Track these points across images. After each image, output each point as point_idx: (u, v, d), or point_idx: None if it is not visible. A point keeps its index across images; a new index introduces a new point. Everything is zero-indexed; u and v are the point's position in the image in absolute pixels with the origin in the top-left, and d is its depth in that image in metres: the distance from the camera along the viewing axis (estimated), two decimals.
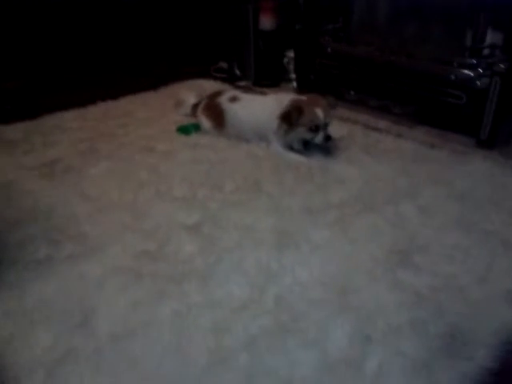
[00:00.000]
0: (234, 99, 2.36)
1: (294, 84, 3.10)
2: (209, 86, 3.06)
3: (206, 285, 1.43)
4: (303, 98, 2.18)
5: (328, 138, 2.11)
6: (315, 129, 2.09)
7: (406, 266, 1.48)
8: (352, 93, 2.80)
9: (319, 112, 2.07)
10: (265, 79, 3.14)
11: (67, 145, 2.33)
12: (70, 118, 2.65)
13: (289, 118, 2.10)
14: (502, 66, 2.09)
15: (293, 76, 3.14)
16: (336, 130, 2.34)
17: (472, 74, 2.25)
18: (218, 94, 2.47)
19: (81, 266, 1.49)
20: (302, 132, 2.12)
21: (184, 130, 2.45)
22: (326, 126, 2.10)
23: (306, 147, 2.23)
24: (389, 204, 1.81)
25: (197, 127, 2.46)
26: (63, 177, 2.04)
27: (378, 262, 1.51)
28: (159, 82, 3.16)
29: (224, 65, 3.42)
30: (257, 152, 2.22)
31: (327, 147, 2.24)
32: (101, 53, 3.78)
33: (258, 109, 2.27)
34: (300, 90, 2.97)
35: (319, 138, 2.11)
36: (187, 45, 3.88)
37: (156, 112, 2.73)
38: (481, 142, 2.23)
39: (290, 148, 2.22)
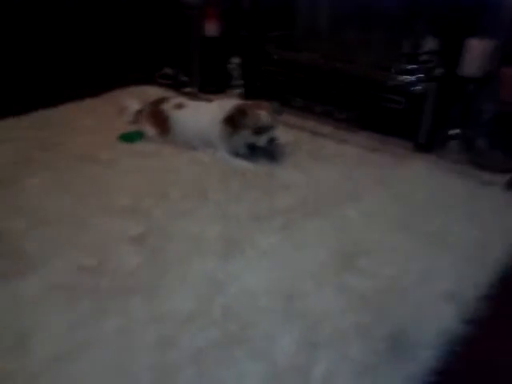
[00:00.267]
0: (178, 106, 2.33)
1: (240, 90, 3.10)
2: (153, 92, 3.00)
3: (150, 299, 1.38)
4: (247, 102, 2.19)
5: (272, 140, 2.12)
6: (259, 131, 2.09)
7: (351, 270, 1.51)
8: (298, 99, 2.83)
9: (263, 114, 2.08)
10: (210, 86, 3.12)
11: (1, 156, 2.20)
12: (6, 127, 2.52)
13: (232, 120, 2.10)
14: (438, 71, 2.18)
15: (238, 82, 3.13)
16: (282, 136, 2.35)
17: (410, 80, 2.33)
18: (162, 100, 2.43)
19: (16, 284, 1.41)
20: (246, 135, 2.12)
21: (127, 137, 2.39)
22: (270, 128, 2.11)
23: (252, 152, 2.23)
24: (334, 208, 1.83)
25: (140, 135, 2.40)
26: None
27: (324, 266, 1.52)
28: (102, 89, 3.06)
29: (169, 71, 3.37)
30: (203, 159, 2.20)
31: (273, 153, 2.24)
32: (40, 58, 3.64)
33: (203, 115, 2.25)
34: (247, 96, 2.97)
35: (263, 141, 2.11)
36: (131, 50, 3.79)
37: (98, 119, 2.65)
38: (419, 145, 2.31)
39: (236, 154, 2.21)
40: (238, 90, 3.09)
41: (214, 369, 1.18)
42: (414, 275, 1.48)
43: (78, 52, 3.81)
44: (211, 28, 3.05)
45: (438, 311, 1.35)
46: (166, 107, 2.35)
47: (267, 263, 1.54)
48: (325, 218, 1.77)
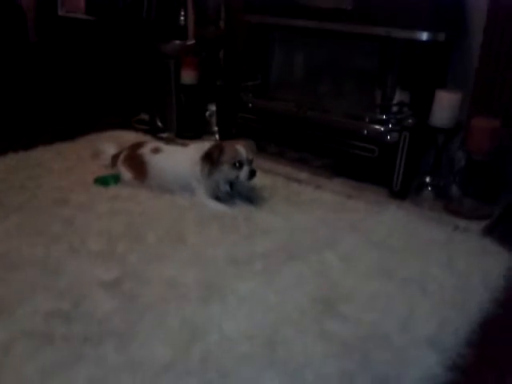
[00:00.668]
0: (156, 150, 2.33)
1: (217, 137, 3.14)
2: (130, 137, 3.00)
3: (125, 345, 1.32)
4: (224, 141, 2.25)
5: (253, 172, 2.12)
6: (239, 165, 2.10)
7: (331, 316, 1.49)
8: (273, 145, 2.88)
9: (240, 148, 2.11)
10: (187, 131, 3.15)
11: None
12: None
13: (211, 157, 2.12)
14: (409, 121, 2.27)
15: (215, 129, 3.18)
16: (258, 181, 2.38)
17: (382, 129, 2.42)
18: (139, 145, 2.43)
19: None
20: (226, 170, 2.13)
21: (102, 181, 2.36)
22: (249, 162, 2.12)
23: (231, 196, 2.23)
24: (312, 253, 1.83)
25: (116, 178, 2.37)
26: None
27: (304, 312, 1.50)
28: (77, 133, 3.05)
29: (145, 116, 3.40)
30: (180, 202, 2.18)
31: (250, 197, 2.25)
32: (13, 102, 3.62)
33: (181, 159, 2.26)
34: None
35: (244, 174, 2.11)
36: (108, 95, 3.83)
37: (72, 163, 2.61)
38: (393, 192, 2.36)
39: (216, 197, 2.20)
40: (215, 137, 3.13)
41: None
42: (395, 321, 1.47)
43: (53, 96, 3.82)
44: (188, 76, 3.11)
45: (420, 357, 1.33)
46: (143, 151, 2.35)
47: (247, 308, 1.50)
48: (303, 263, 1.76)
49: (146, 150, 2.35)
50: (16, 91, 3.74)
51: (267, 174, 2.56)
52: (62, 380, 1.20)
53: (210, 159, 2.12)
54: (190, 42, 3.30)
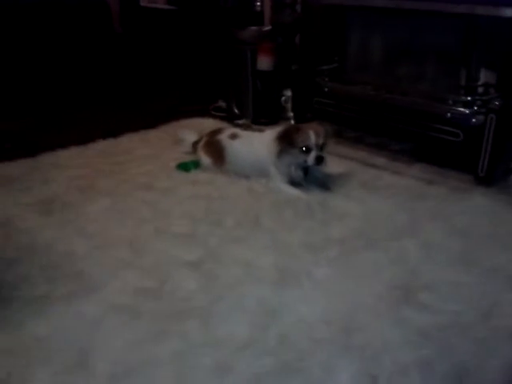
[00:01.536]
0: (233, 136, 2.39)
1: (292, 122, 3.14)
2: (208, 124, 3.10)
3: (206, 323, 1.40)
4: (301, 124, 2.25)
5: (320, 158, 2.11)
6: (306, 150, 2.10)
7: (409, 304, 1.46)
8: (349, 130, 2.84)
9: (311, 133, 2.10)
10: (263, 117, 3.19)
11: (66, 182, 2.32)
12: (68, 156, 2.66)
13: (285, 136, 2.14)
14: (496, 103, 2.13)
15: (291, 114, 3.18)
16: (335, 166, 2.36)
17: (467, 112, 2.29)
18: (217, 131, 2.50)
19: (78, 304, 1.47)
20: (295, 154, 2.14)
21: (184, 166, 2.46)
22: (318, 147, 2.12)
23: (306, 181, 2.24)
24: (390, 240, 1.80)
25: (197, 164, 2.47)
26: (61, 214, 2.03)
27: (382, 299, 1.49)
28: (159, 121, 3.19)
29: (223, 104, 3.48)
30: (256, 188, 2.23)
31: (326, 183, 2.24)
32: (101, 91, 3.85)
33: (258, 144, 2.30)
34: None
35: (311, 159, 2.11)
36: (187, 84, 3.96)
37: (155, 149, 2.75)
38: (479, 178, 2.24)
39: (291, 182, 2.23)
40: (290, 122, 3.14)
41: None
42: (478, 311, 1.42)
43: (138, 86, 4.02)
44: (264, 62, 3.13)
45: (503, 348, 1.28)
46: (221, 138, 2.41)
47: (323, 294, 1.52)
48: (381, 250, 1.74)
49: (223, 136, 2.41)
50: (103, 81, 3.96)
51: (344, 160, 2.54)
52: (149, 353, 1.29)
53: (286, 139, 2.14)
54: (266, 27, 3.32)
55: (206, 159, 2.43)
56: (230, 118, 3.29)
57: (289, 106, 3.18)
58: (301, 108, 3.13)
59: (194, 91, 3.83)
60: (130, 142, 2.89)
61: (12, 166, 2.53)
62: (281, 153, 2.17)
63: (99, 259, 1.71)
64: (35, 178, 2.37)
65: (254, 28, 3.29)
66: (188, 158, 2.54)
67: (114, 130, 2.99)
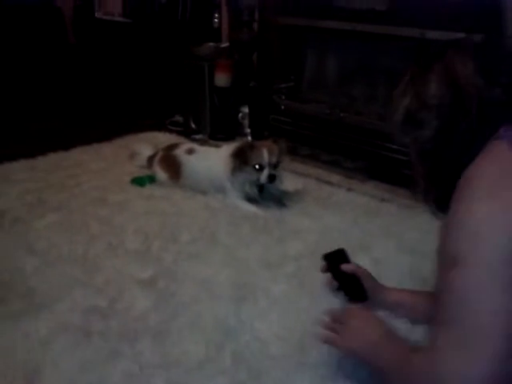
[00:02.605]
0: (190, 151, 2.38)
1: (249, 138, 3.16)
2: (164, 138, 3.07)
3: (160, 343, 1.36)
4: (256, 141, 2.29)
5: (272, 177, 2.12)
6: (259, 168, 2.12)
7: None
8: (305, 148, 2.89)
9: (264, 152, 2.11)
10: (220, 133, 3.19)
11: (14, 196, 2.22)
12: (17, 169, 2.56)
13: (240, 154, 2.15)
14: None
15: (248, 131, 3.21)
16: (291, 183, 2.39)
17: None
18: (174, 146, 2.48)
19: (26, 323, 1.39)
20: (249, 171, 2.15)
21: (138, 181, 2.42)
22: (271, 165, 2.13)
23: (262, 198, 2.25)
24: None
25: (152, 179, 2.43)
26: (9, 229, 1.95)
27: None
28: (114, 134, 3.13)
29: (180, 118, 3.46)
30: (213, 204, 2.22)
31: (281, 200, 2.26)
32: (52, 102, 3.74)
33: (214, 159, 2.30)
34: None
35: (263, 177, 2.12)
36: (143, 98, 3.91)
37: (109, 163, 2.69)
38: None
39: (247, 199, 2.23)
40: (247, 139, 3.16)
41: None
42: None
43: (92, 99, 3.93)
44: (222, 78, 3.15)
45: None
46: (178, 152, 2.39)
47: (279, 311, 1.51)
48: None
49: (180, 151, 2.39)
50: (55, 92, 3.86)
51: (299, 176, 2.57)
52: (99, 374, 1.24)
53: (240, 156, 2.15)
54: (224, 44, 3.34)
55: (161, 174, 2.40)
56: (187, 133, 3.27)
57: (246, 122, 3.20)
58: (258, 125, 3.16)
59: (150, 105, 3.80)
60: (82, 154, 2.81)
61: None
62: (235, 170, 2.18)
63: (49, 276, 1.64)
64: None
65: (211, 44, 3.31)
66: (143, 173, 2.50)
67: (65, 143, 2.90)
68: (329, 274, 1.50)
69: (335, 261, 1.48)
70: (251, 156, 2.13)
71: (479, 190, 0.85)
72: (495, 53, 0.98)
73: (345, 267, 1.45)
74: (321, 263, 1.50)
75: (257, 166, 2.12)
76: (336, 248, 1.51)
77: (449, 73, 0.92)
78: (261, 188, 2.21)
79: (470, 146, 0.86)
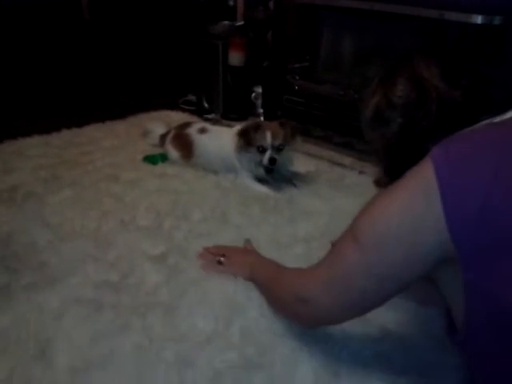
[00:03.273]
0: (202, 130, 2.37)
1: (262, 119, 3.15)
2: (177, 117, 3.07)
3: (169, 317, 1.39)
4: (265, 122, 2.27)
5: (272, 160, 2.10)
6: (261, 150, 2.11)
7: None
8: (318, 129, 2.87)
9: (267, 134, 2.08)
10: (233, 113, 3.18)
11: (28, 171, 2.25)
12: (32, 145, 2.58)
13: (245, 133, 2.14)
14: None
15: (260, 111, 3.19)
16: (303, 164, 2.39)
17: None
18: (186, 125, 2.48)
19: (39, 296, 1.43)
20: (252, 152, 2.14)
21: (151, 159, 2.43)
22: (274, 149, 2.11)
23: (273, 177, 2.24)
24: None
25: (164, 157, 2.44)
26: (23, 204, 1.97)
27: None
28: (127, 112, 3.14)
29: (192, 97, 3.45)
30: (224, 183, 2.22)
31: (292, 181, 2.26)
32: (67, 80, 3.76)
33: (226, 139, 2.29)
34: None
35: (265, 160, 2.11)
36: (157, 76, 3.91)
37: (123, 141, 2.70)
38: None
39: (258, 179, 2.23)
40: (260, 119, 3.15)
41: None
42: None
43: (106, 77, 3.94)
44: (235, 57, 3.13)
45: None
46: (190, 131, 2.40)
47: None
48: None
49: (192, 130, 2.39)
50: (69, 69, 3.87)
51: (311, 158, 2.57)
52: (110, 346, 1.27)
53: (245, 136, 2.14)
54: (239, 23, 3.31)
55: (173, 152, 2.41)
56: (200, 112, 3.27)
57: (259, 102, 3.19)
58: (271, 105, 3.14)
59: (164, 83, 3.79)
60: (96, 132, 2.83)
61: None
62: (240, 149, 2.17)
63: (62, 251, 1.67)
64: None
65: (226, 23, 3.28)
66: (156, 151, 2.51)
67: (79, 120, 2.92)
68: None
69: None
70: (255, 137, 2.11)
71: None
72: (458, 58, 1.09)
73: None
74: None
75: (260, 148, 2.11)
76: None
77: (414, 75, 1.04)
78: (268, 170, 2.19)
79: (428, 143, 0.96)
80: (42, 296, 1.43)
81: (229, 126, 2.72)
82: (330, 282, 1.04)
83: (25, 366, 1.19)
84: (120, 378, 1.18)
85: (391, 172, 1.12)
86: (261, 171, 2.21)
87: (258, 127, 2.13)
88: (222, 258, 1.58)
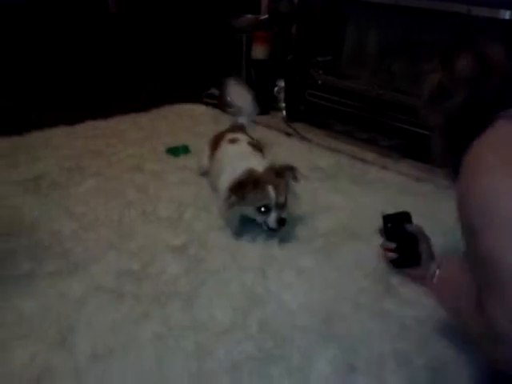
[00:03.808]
0: (232, 141, 2.04)
1: (284, 113, 3.14)
2: (200, 110, 3.10)
3: (189, 307, 1.41)
4: (262, 171, 1.72)
5: (282, 221, 1.69)
6: (265, 210, 1.68)
7: (390, 296, 1.48)
8: (340, 124, 2.85)
9: (269, 190, 1.65)
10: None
11: (54, 161, 2.31)
12: (58, 135, 2.64)
13: (241, 189, 1.66)
14: None
15: (282, 105, 3.18)
16: (323, 159, 2.37)
17: None
18: (231, 129, 2.21)
19: (62, 283, 1.47)
20: (250, 211, 1.72)
21: (173, 151, 2.46)
22: (279, 206, 1.69)
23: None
24: (374, 234, 1.81)
25: (186, 149, 2.46)
26: (48, 193, 2.02)
27: (364, 291, 1.50)
28: (151, 104, 3.17)
29: (215, 91, 3.46)
30: None
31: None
32: (93, 72, 3.80)
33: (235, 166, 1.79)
34: (289, 119, 3.02)
35: (271, 221, 1.68)
36: (180, 70, 3.92)
37: (146, 133, 2.74)
38: None
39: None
40: (282, 113, 3.14)
41: (249, 382, 1.18)
42: None
43: (130, 69, 3.97)
44: (259, 51, 3.12)
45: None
46: (226, 137, 2.09)
47: (306, 283, 1.53)
48: (366, 243, 1.75)
49: (227, 137, 2.08)
50: (95, 62, 3.92)
51: (332, 153, 2.55)
52: (130, 335, 1.30)
53: (239, 192, 1.66)
54: (263, 16, 3.30)
55: (206, 151, 2.18)
56: (222, 106, 3.27)
57: (281, 96, 3.18)
58: (293, 99, 3.13)
59: (188, 77, 3.81)
60: (120, 124, 2.87)
61: None
62: (231, 207, 1.70)
63: (85, 240, 1.71)
64: (23, 156, 2.35)
65: (250, 16, 3.27)
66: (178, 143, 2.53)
67: (104, 112, 2.96)
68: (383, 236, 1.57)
69: (396, 221, 1.55)
70: (255, 196, 1.66)
71: (481, 164, 1.03)
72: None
73: (410, 227, 1.56)
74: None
75: (262, 209, 1.68)
76: (400, 211, 1.60)
77: (478, 52, 1.12)
78: (274, 230, 1.73)
79: (490, 114, 1.06)
80: (65, 284, 1.46)
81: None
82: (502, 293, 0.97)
83: (46, 352, 1.23)
84: (139, 366, 1.21)
85: (452, 144, 1.19)
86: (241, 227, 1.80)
87: (256, 182, 1.66)
88: None
